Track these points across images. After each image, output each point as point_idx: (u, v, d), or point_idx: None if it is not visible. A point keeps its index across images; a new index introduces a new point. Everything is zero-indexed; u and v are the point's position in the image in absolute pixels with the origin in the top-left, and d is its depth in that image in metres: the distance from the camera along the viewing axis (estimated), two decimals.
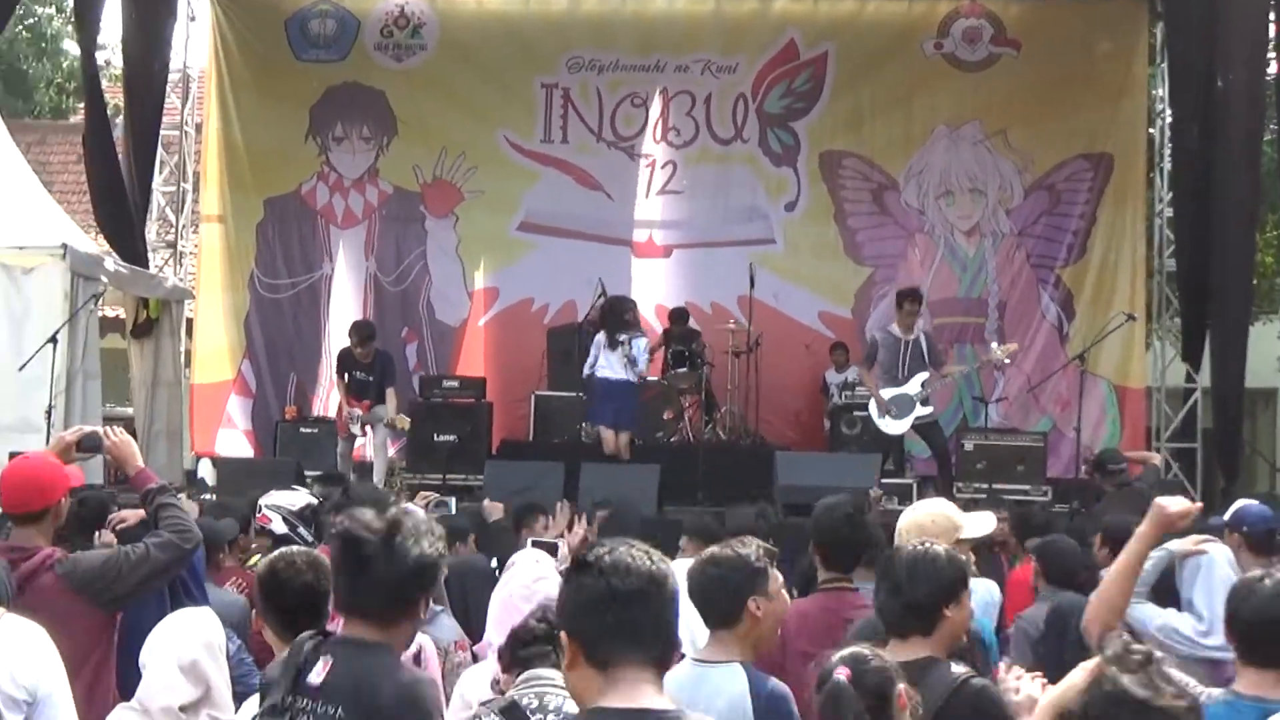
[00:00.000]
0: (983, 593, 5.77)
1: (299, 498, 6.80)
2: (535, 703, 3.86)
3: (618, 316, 13.16)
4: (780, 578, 4.44)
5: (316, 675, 3.38)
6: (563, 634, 2.77)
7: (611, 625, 2.69)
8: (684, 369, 14.17)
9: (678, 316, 14.91)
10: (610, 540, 2.85)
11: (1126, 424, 15.76)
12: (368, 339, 13.64)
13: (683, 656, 4.13)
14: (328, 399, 15.37)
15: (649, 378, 13.94)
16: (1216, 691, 3.99)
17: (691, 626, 5.71)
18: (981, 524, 5.06)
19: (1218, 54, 14.25)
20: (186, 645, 4.18)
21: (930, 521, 4.90)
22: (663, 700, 2.67)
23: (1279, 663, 3.79)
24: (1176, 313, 15.85)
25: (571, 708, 3.13)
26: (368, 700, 3.34)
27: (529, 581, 4.92)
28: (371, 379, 13.41)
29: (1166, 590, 5.42)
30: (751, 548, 4.39)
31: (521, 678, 4.03)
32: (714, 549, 4.53)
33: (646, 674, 2.68)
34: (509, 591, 5.01)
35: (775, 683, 4.23)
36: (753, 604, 4.23)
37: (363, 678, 3.37)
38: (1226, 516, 7.06)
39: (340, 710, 3.33)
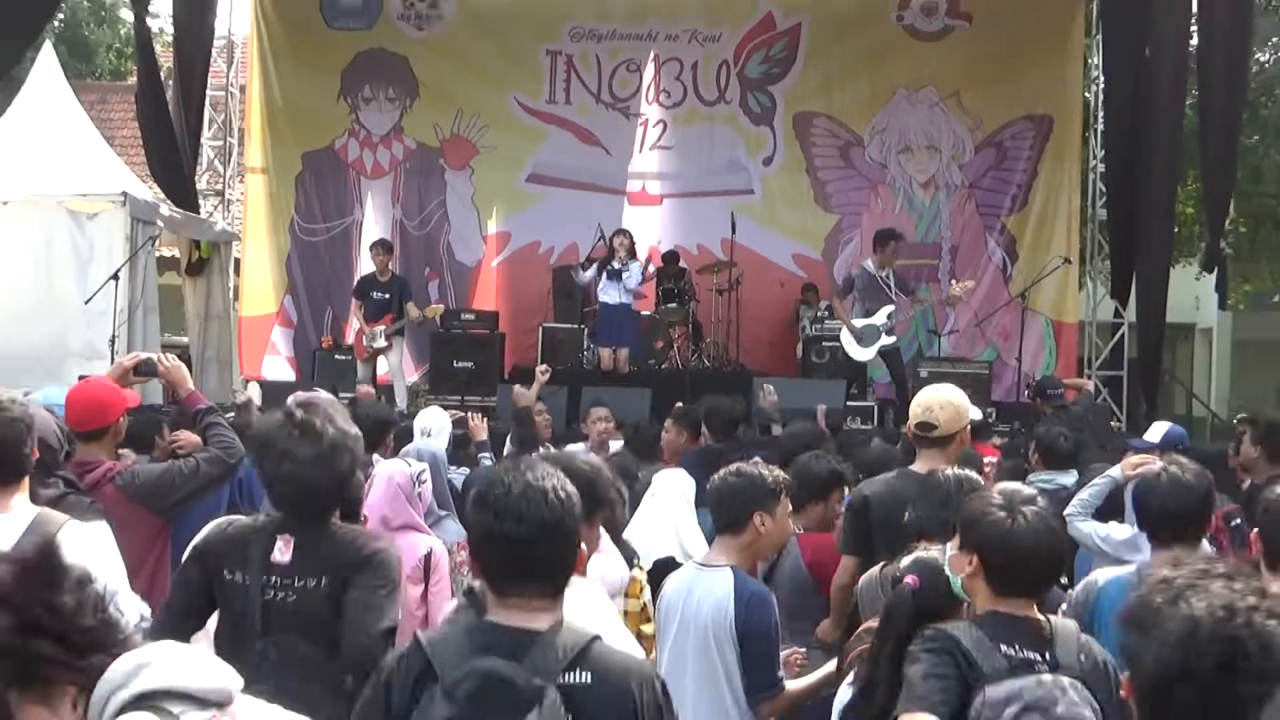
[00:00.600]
0: None
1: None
2: None
3: (612, 248, 13.44)
4: (790, 507, 4.42)
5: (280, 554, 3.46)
6: (471, 555, 2.78)
7: (502, 564, 2.65)
8: (673, 304, 14.24)
9: (668, 258, 14.86)
10: (517, 470, 2.71)
11: (1062, 354, 15.84)
12: (387, 249, 13.90)
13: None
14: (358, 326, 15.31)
15: (643, 312, 14.06)
16: (1130, 568, 4.16)
17: (684, 537, 5.69)
18: (975, 413, 5.28)
19: (1147, 28, 14.21)
20: None
21: (939, 406, 4.98)
22: (547, 623, 2.59)
23: (1174, 543, 3.90)
24: (1106, 256, 15.87)
25: None
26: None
27: None
28: (389, 297, 13.37)
29: (1115, 512, 5.36)
30: (772, 473, 4.37)
31: None
32: (740, 464, 4.47)
33: (537, 601, 2.61)
34: None
35: (759, 587, 4.25)
36: (758, 518, 4.20)
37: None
38: (1158, 439, 7.06)
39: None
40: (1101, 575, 4.24)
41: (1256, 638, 2.07)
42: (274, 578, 3.49)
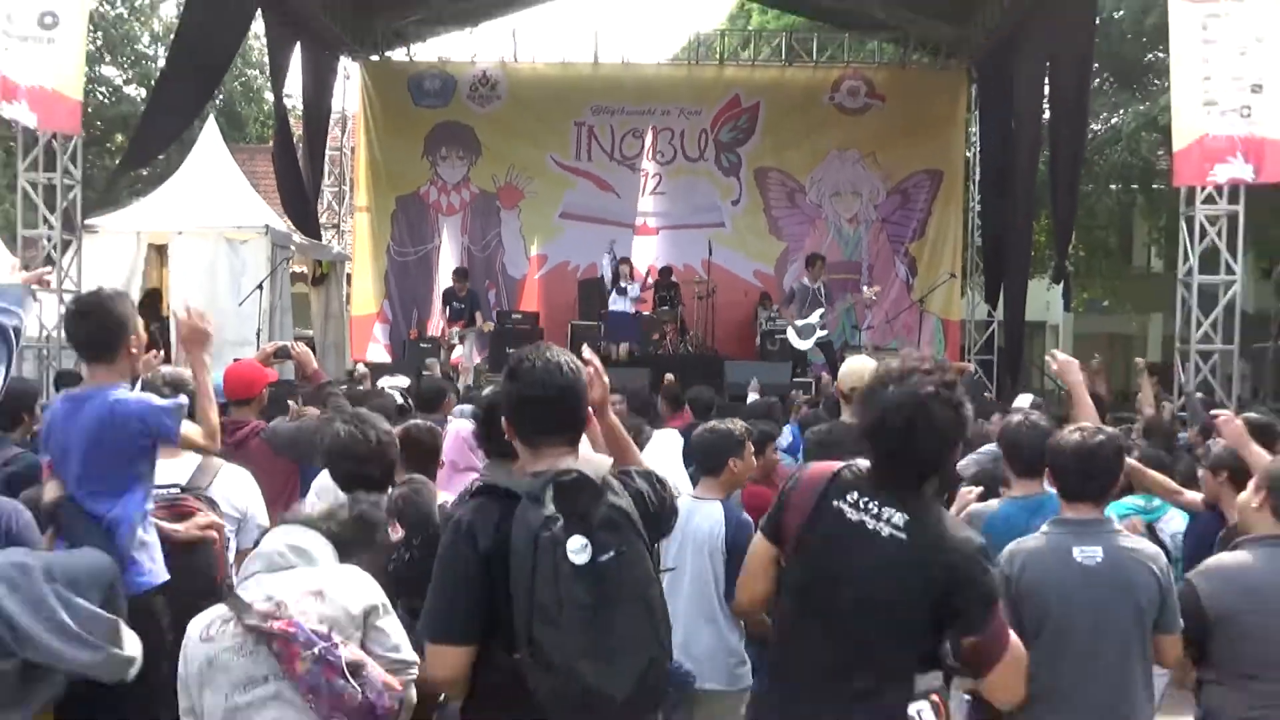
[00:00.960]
0: None
1: (402, 381, 6.78)
2: None
3: (619, 271, 13.57)
4: (752, 448, 4.37)
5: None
6: (504, 419, 2.50)
7: (531, 418, 2.45)
8: (666, 308, 14.23)
9: (663, 274, 14.86)
10: (537, 350, 2.51)
11: (949, 345, 15.79)
12: (464, 276, 14.10)
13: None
14: (436, 325, 15.35)
15: (644, 312, 14.05)
16: (997, 501, 4.07)
17: (675, 478, 5.68)
18: None
19: (1011, 106, 14.22)
20: None
21: (858, 365, 5.06)
22: (573, 462, 2.37)
23: (1035, 474, 3.77)
24: (981, 272, 15.78)
25: None
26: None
27: None
28: (464, 307, 13.65)
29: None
30: (737, 426, 4.34)
31: None
32: (713, 422, 4.45)
33: (561, 449, 2.42)
34: None
35: (743, 515, 4.19)
36: (732, 462, 4.21)
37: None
38: (1027, 404, 7.05)
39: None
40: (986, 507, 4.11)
41: (929, 413, 2.41)
42: None
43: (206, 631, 2.45)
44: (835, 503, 2.51)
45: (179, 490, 3.56)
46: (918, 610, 2.43)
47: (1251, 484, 3.33)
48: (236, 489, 3.86)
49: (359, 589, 2.52)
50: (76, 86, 9.80)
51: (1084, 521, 3.11)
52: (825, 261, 13.08)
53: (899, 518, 2.44)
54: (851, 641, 2.44)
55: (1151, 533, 4.46)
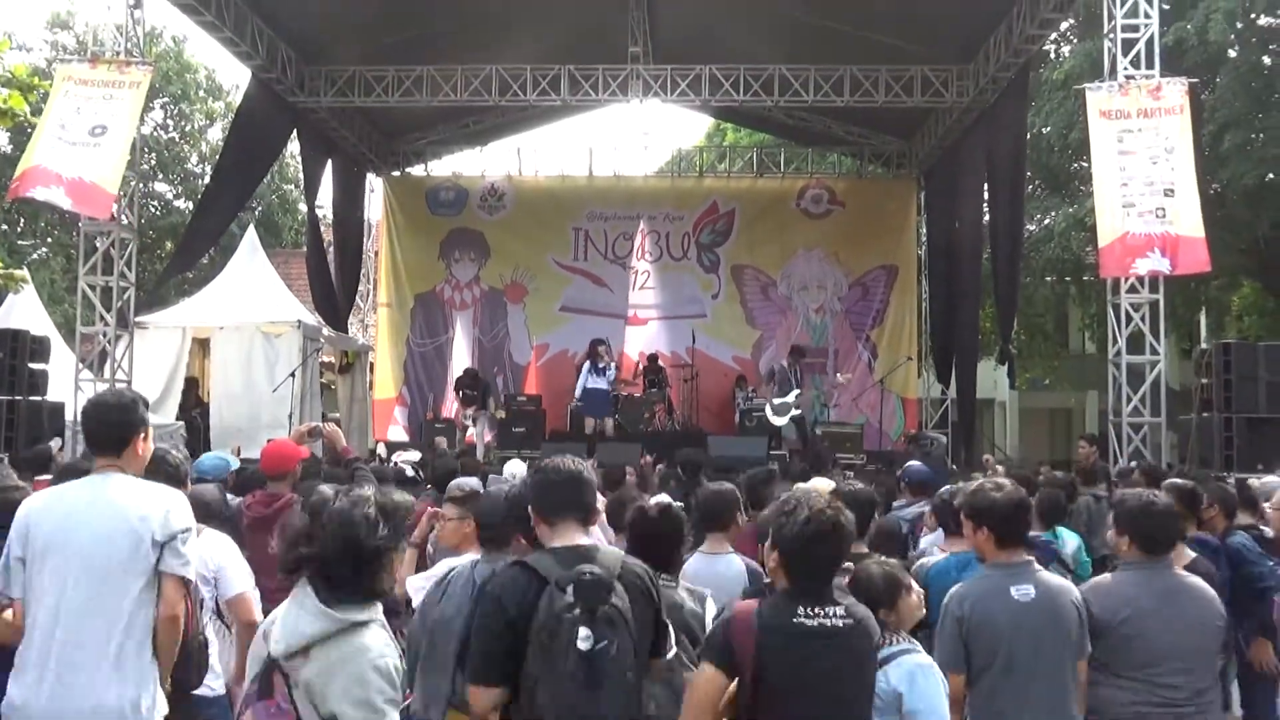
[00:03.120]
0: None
1: (414, 455, 6.76)
2: None
3: (597, 353, 13.28)
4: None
5: None
6: (530, 507, 2.78)
7: (551, 500, 2.72)
8: (655, 390, 14.21)
9: (651, 359, 14.89)
10: (557, 454, 2.85)
11: (908, 420, 15.83)
12: (475, 376, 14.11)
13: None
14: (449, 408, 15.32)
15: (635, 394, 14.01)
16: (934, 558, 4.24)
17: None
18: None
19: (956, 210, 14.47)
20: None
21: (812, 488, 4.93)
22: (588, 539, 2.68)
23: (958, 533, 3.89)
24: (934, 355, 15.84)
25: None
26: None
27: None
28: (476, 393, 13.66)
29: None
30: (734, 490, 4.35)
31: None
32: (718, 485, 4.45)
33: (575, 527, 2.68)
34: None
35: (756, 565, 4.07)
36: (740, 517, 4.22)
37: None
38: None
39: None
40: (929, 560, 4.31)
41: (835, 526, 2.58)
42: None
43: None
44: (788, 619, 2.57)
45: None
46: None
47: (1113, 528, 3.60)
48: (211, 550, 3.68)
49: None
50: (114, 182, 9.82)
51: (1015, 564, 3.29)
52: (805, 354, 13.18)
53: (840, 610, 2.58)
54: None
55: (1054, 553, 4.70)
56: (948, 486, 5.09)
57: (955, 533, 4.03)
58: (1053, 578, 3.33)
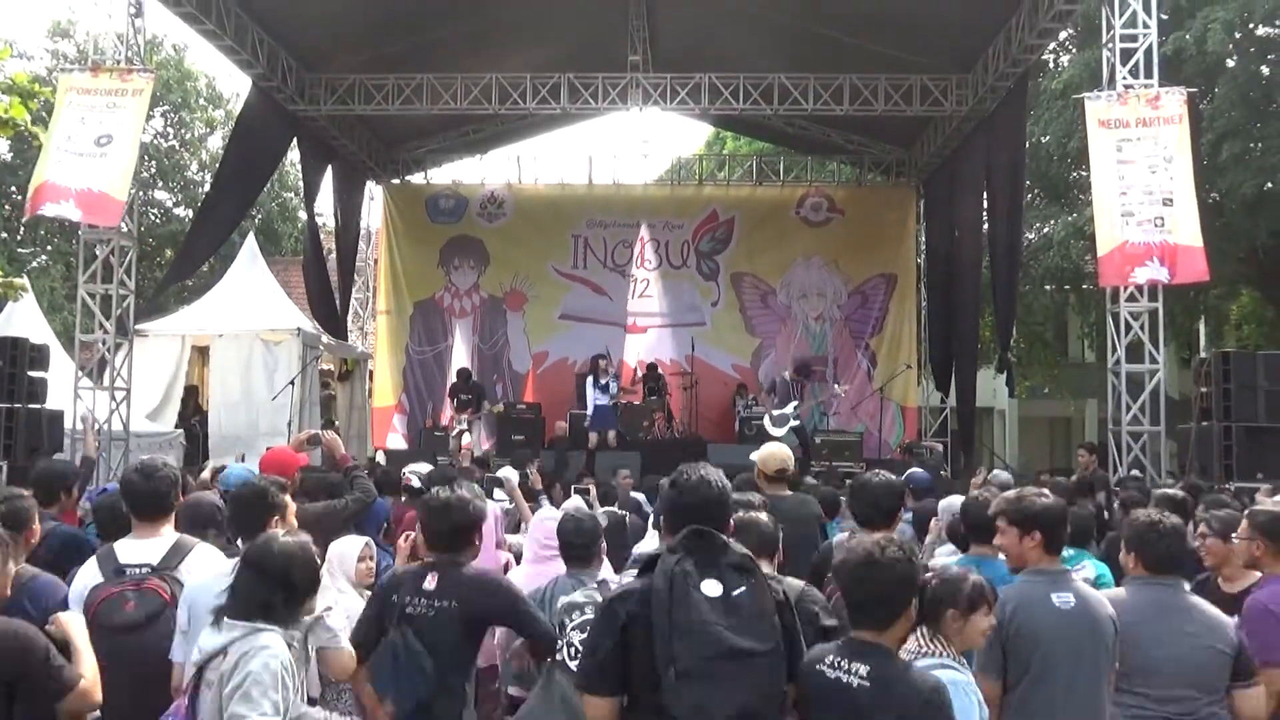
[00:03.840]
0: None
1: (424, 467, 6.73)
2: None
3: (599, 368, 13.23)
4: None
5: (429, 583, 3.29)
6: (663, 521, 2.72)
7: (686, 522, 2.54)
8: (654, 398, 14.19)
9: (650, 368, 14.88)
10: (693, 469, 2.70)
11: (907, 428, 15.81)
12: (467, 376, 14.05)
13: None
14: (447, 415, 15.31)
15: (635, 402, 13.95)
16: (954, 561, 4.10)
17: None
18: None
19: (954, 218, 14.48)
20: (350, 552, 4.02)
21: (769, 452, 5.09)
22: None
23: (983, 541, 3.84)
24: (933, 363, 15.84)
25: None
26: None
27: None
28: (470, 397, 13.57)
29: None
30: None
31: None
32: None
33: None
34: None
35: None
36: (731, 521, 4.19)
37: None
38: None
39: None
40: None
41: (883, 559, 2.51)
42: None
43: None
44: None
45: (149, 570, 3.37)
46: None
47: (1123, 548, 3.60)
48: (205, 568, 3.55)
49: None
50: (123, 189, 9.88)
51: (1054, 571, 3.27)
52: (812, 373, 13.13)
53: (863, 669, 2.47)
54: None
55: None
56: (952, 498, 5.10)
57: (965, 549, 4.00)
58: (1089, 588, 3.32)
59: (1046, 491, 3.45)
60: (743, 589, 2.34)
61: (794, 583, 3.02)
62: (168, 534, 3.50)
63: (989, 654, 3.12)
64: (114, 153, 9.76)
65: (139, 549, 3.42)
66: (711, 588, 2.31)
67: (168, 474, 3.57)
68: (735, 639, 2.28)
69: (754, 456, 5.10)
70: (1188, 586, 3.51)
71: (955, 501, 5.38)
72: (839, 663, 2.49)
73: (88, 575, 3.38)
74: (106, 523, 4.01)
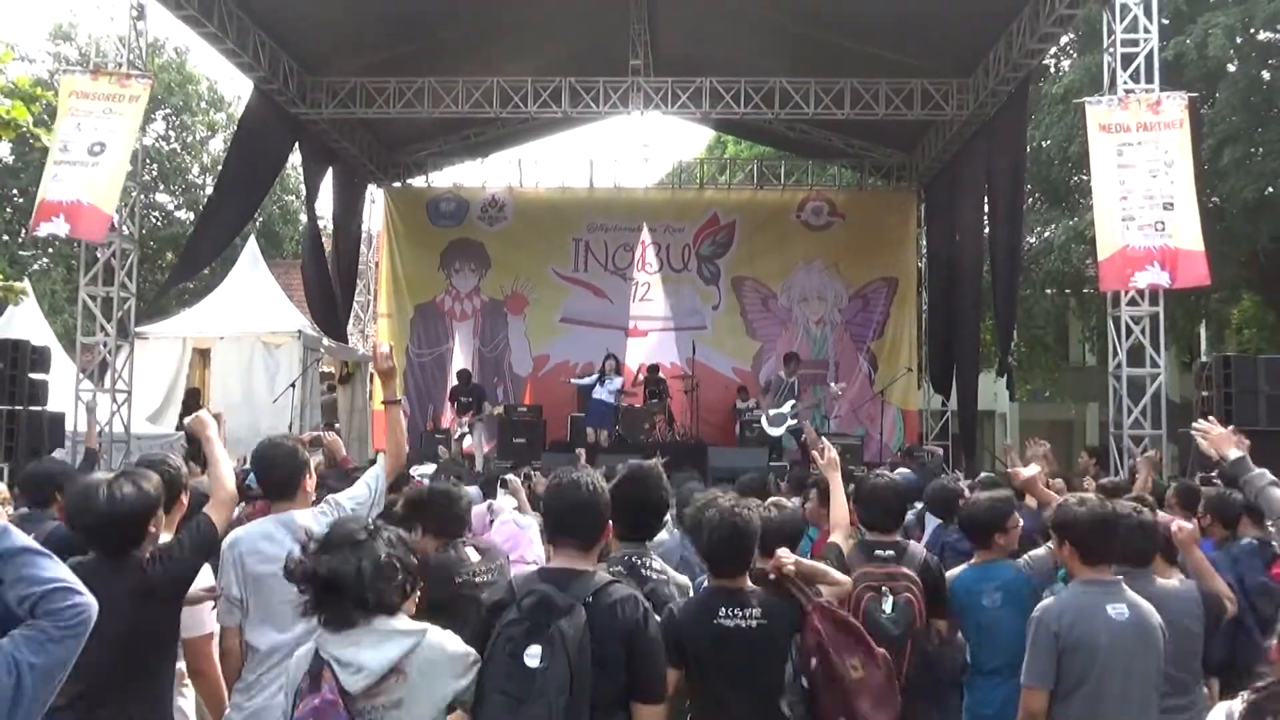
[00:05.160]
0: None
1: (430, 468, 6.74)
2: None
3: (605, 368, 13.38)
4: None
5: None
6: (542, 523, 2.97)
7: (555, 522, 2.77)
8: (655, 400, 14.19)
9: (651, 371, 14.87)
10: (568, 471, 2.81)
11: (907, 431, 15.81)
12: (469, 380, 14.03)
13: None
14: (447, 418, 15.33)
15: (635, 404, 13.98)
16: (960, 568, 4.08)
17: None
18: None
19: (955, 222, 14.47)
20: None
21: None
22: (585, 564, 2.68)
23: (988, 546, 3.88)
24: (933, 367, 15.83)
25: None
26: None
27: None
28: (471, 400, 13.59)
29: None
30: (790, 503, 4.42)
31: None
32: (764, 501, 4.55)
33: (575, 551, 2.69)
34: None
35: None
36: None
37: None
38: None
39: None
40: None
41: (741, 521, 2.92)
42: None
43: None
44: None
45: None
46: None
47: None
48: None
49: None
50: (111, 201, 9.89)
51: (1107, 582, 3.19)
52: (800, 360, 13.16)
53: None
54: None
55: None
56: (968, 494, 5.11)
57: (983, 546, 3.97)
58: (1140, 599, 3.22)
59: (1089, 497, 3.35)
60: (544, 664, 2.44)
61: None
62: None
63: (1044, 663, 3.07)
64: (106, 162, 9.75)
65: None
66: (532, 656, 2.44)
67: (174, 473, 3.47)
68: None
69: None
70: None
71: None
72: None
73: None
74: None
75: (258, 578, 3.17)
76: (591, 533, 2.72)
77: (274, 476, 3.41)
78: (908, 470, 7.23)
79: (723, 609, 2.88)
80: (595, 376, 13.53)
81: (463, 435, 13.41)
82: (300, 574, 2.31)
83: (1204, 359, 12.28)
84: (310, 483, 3.44)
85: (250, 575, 3.18)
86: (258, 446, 3.49)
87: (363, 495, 3.44)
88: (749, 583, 2.96)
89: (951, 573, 4.02)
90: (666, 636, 2.72)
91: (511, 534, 4.75)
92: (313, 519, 3.21)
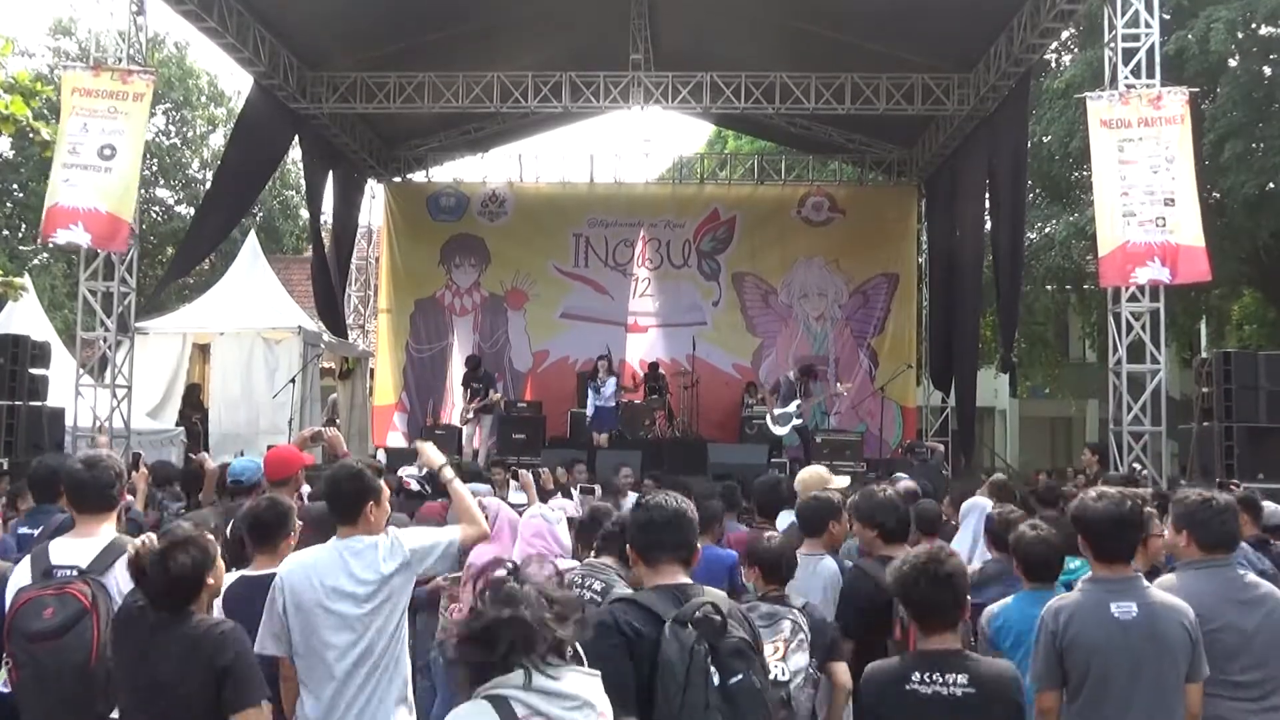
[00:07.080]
0: None
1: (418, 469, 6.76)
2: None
3: (597, 370, 13.34)
4: (846, 515, 4.44)
5: None
6: (629, 545, 2.81)
7: (653, 539, 2.72)
8: (655, 397, 14.20)
9: (652, 367, 14.90)
10: (657, 491, 2.90)
11: (907, 428, 15.81)
12: (478, 364, 13.96)
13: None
14: (450, 413, 15.35)
15: (635, 401, 13.97)
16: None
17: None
18: (841, 481, 5.18)
19: (956, 218, 14.46)
20: None
21: (810, 475, 5.13)
22: (685, 578, 2.68)
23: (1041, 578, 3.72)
24: (933, 363, 15.81)
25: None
26: None
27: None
28: (481, 386, 13.51)
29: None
30: (837, 496, 4.53)
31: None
32: (815, 492, 4.61)
33: (675, 566, 2.69)
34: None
35: (848, 564, 4.39)
36: (832, 524, 4.39)
37: None
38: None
39: None
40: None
41: (933, 573, 2.82)
42: None
43: None
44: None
45: (76, 574, 3.17)
46: None
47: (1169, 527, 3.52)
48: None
49: None
50: (129, 207, 9.94)
51: (1117, 579, 3.10)
52: (815, 376, 13.04)
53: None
54: None
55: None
56: (975, 499, 5.13)
57: (1005, 550, 3.99)
58: (1162, 596, 3.10)
59: (1109, 491, 3.25)
60: (739, 676, 2.49)
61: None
62: (105, 533, 3.31)
63: (1046, 664, 3.04)
64: (118, 167, 9.76)
65: (72, 549, 3.23)
66: (716, 675, 2.47)
67: (111, 464, 3.38)
68: None
69: (797, 485, 5.12)
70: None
71: (982, 503, 5.43)
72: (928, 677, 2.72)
73: (19, 576, 3.21)
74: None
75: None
76: (690, 547, 2.75)
77: (339, 503, 3.21)
78: (908, 480, 7.25)
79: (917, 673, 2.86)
80: (589, 387, 13.44)
81: (471, 425, 13.41)
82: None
83: (1204, 355, 12.29)
84: (377, 512, 3.21)
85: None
86: (329, 471, 3.34)
87: (426, 548, 3.21)
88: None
89: (995, 606, 3.68)
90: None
91: (538, 528, 4.75)
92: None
